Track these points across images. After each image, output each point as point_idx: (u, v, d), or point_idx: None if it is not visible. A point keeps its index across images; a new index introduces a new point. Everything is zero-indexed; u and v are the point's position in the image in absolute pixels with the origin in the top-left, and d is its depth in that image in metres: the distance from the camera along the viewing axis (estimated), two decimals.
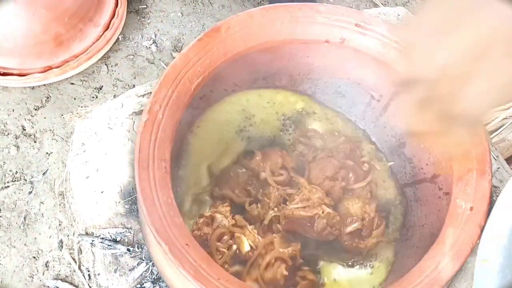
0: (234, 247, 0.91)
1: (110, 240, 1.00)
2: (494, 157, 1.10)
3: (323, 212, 0.95)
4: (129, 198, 1.01)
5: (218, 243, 0.92)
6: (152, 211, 0.75)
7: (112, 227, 1.01)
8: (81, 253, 1.20)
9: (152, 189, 0.77)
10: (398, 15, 1.23)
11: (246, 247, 0.90)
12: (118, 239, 1.00)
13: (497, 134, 1.34)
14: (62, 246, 1.26)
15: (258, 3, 1.70)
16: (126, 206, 1.01)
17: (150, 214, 0.75)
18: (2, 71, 1.43)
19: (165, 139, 0.82)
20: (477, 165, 0.80)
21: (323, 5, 0.92)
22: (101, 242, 1.00)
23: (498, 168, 1.08)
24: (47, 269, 1.25)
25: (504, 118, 1.38)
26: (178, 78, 0.85)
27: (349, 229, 0.97)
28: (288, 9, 0.92)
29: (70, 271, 1.23)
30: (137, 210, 0.99)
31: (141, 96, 1.12)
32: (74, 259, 1.21)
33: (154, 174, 0.79)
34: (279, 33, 0.93)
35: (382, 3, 1.69)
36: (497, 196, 1.02)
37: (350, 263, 0.96)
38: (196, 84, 0.88)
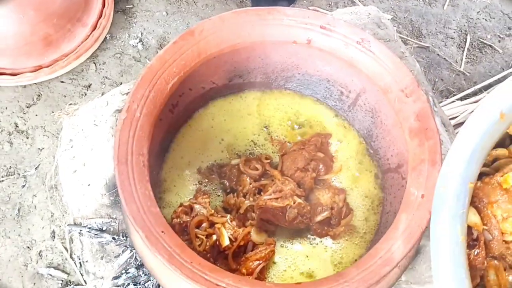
0: (214, 237, 0.97)
1: (96, 229, 1.07)
2: None
3: (294, 203, 1.02)
4: (114, 191, 1.08)
5: (197, 230, 0.98)
6: (130, 202, 0.82)
7: (99, 218, 1.08)
8: (72, 243, 1.27)
9: (131, 182, 0.84)
10: (369, 14, 1.30)
11: (226, 241, 0.95)
12: (104, 229, 1.07)
13: None
14: (54, 236, 1.33)
15: (240, 1, 1.76)
16: (111, 198, 1.08)
17: (129, 204, 0.82)
18: None
19: (143, 135, 0.89)
20: (429, 156, 0.87)
21: (290, 9, 0.98)
22: (88, 231, 1.07)
23: None
24: (41, 258, 1.31)
25: (472, 111, 1.44)
26: (154, 78, 0.92)
27: (319, 218, 1.03)
28: (258, 12, 0.98)
29: (62, 259, 1.30)
30: (121, 204, 1.07)
31: (125, 94, 1.19)
32: (66, 248, 1.28)
33: (132, 168, 0.85)
34: (250, 35, 0.99)
35: (359, 0, 1.74)
36: None
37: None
38: (172, 83, 0.94)
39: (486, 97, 0.80)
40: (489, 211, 0.80)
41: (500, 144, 0.83)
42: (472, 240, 0.79)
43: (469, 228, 0.78)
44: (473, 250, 0.78)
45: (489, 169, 0.84)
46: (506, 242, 0.80)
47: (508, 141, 0.88)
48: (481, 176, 0.80)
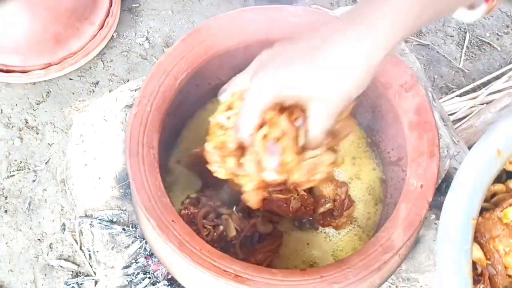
0: (221, 227, 1.01)
1: (107, 221, 1.11)
2: (455, 142, 1.21)
3: (297, 194, 1.05)
4: (124, 183, 1.12)
5: (204, 220, 1.02)
6: (142, 192, 0.86)
7: (109, 209, 1.12)
8: (82, 235, 1.31)
9: (142, 173, 0.88)
10: None
11: (233, 232, 0.98)
12: (114, 220, 1.11)
13: (465, 121, 1.45)
14: (64, 229, 1.37)
15: (244, 0, 1.80)
16: (121, 190, 1.12)
17: (140, 194, 0.85)
18: (5, 68, 1.54)
19: (153, 129, 0.92)
20: (428, 148, 0.91)
21: (294, 7, 1.02)
22: (99, 222, 1.11)
23: (459, 152, 1.19)
24: (51, 250, 1.36)
25: (472, 107, 1.48)
26: (163, 75, 0.95)
27: (322, 209, 1.06)
28: (263, 11, 1.02)
29: (72, 251, 1.34)
30: (131, 194, 1.10)
31: (133, 90, 1.23)
32: (75, 241, 1.32)
33: (143, 160, 0.89)
34: (255, 33, 1.03)
35: None
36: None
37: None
38: (181, 79, 0.98)
39: (483, 136, 0.85)
40: (491, 246, 0.83)
41: (497, 179, 0.88)
42: (477, 275, 0.82)
43: (473, 263, 0.81)
44: (478, 286, 0.81)
45: (489, 204, 0.88)
46: (509, 276, 0.83)
47: (505, 176, 0.94)
48: (481, 211, 0.84)
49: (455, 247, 0.77)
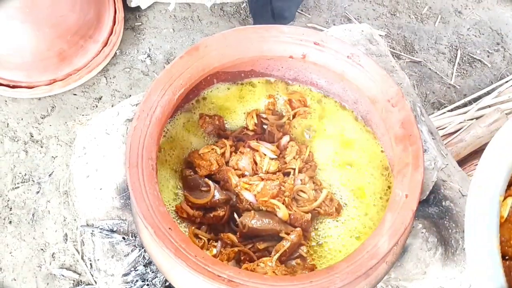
0: (218, 246, 1.02)
1: (107, 230, 1.15)
2: (443, 155, 1.25)
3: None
4: (124, 194, 1.16)
5: (199, 231, 1.06)
6: (141, 201, 0.90)
7: (110, 219, 1.16)
8: (84, 245, 1.35)
9: (141, 183, 0.92)
10: (362, 31, 1.39)
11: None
12: (114, 229, 1.15)
13: (456, 136, 1.49)
14: (66, 239, 1.41)
15: (243, 19, 1.86)
16: (121, 201, 1.16)
17: (139, 203, 0.90)
18: (12, 84, 1.59)
19: (152, 141, 0.97)
20: (413, 160, 0.95)
21: (286, 27, 1.07)
22: (100, 232, 1.15)
23: (447, 164, 1.23)
24: (54, 260, 1.39)
25: (461, 122, 1.52)
26: (162, 90, 1.00)
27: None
28: (256, 30, 1.07)
29: (74, 261, 1.38)
30: (131, 204, 1.15)
31: (134, 105, 1.28)
32: (77, 250, 1.36)
33: (142, 171, 0.93)
34: (249, 51, 1.08)
35: (355, 18, 1.84)
36: (445, 188, 1.17)
37: None
38: (179, 95, 1.03)
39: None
40: None
41: None
42: None
43: None
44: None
45: None
46: None
47: None
48: None
49: (485, 221, 0.82)
